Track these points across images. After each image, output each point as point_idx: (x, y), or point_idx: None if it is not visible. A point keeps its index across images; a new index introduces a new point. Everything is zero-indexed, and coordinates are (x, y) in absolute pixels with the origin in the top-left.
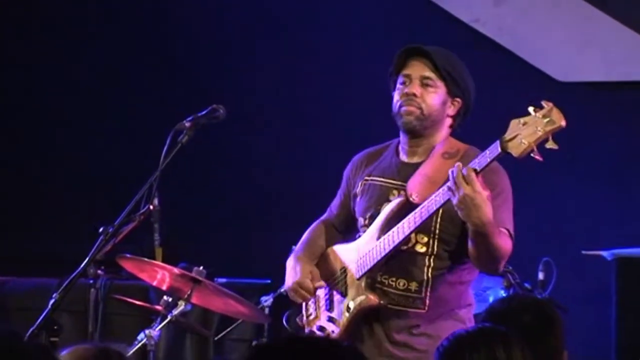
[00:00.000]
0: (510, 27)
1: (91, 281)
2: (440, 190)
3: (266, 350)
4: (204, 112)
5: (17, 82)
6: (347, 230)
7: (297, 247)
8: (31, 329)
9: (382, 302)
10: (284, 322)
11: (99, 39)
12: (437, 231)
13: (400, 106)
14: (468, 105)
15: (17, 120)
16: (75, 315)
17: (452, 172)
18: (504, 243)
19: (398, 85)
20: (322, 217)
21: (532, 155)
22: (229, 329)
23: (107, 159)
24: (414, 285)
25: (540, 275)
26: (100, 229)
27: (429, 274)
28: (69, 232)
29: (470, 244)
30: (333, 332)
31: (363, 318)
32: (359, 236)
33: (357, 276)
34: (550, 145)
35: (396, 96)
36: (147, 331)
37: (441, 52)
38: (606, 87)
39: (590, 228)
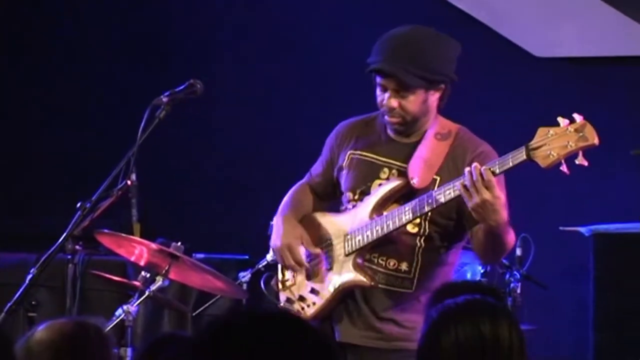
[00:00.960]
0: (487, 3)
1: (69, 257)
2: (452, 184)
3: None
4: (181, 87)
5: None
6: (326, 198)
7: (282, 207)
8: (9, 305)
9: (373, 283)
10: (262, 285)
11: (83, 22)
12: (430, 213)
13: (384, 114)
14: (452, 81)
15: None
16: (53, 290)
17: (471, 173)
18: (511, 238)
19: (377, 88)
20: (303, 181)
21: (560, 168)
22: (206, 305)
23: (85, 134)
24: (404, 266)
25: (518, 252)
26: (78, 204)
27: (420, 255)
28: (47, 207)
29: (480, 240)
30: (314, 303)
31: (348, 294)
32: (346, 209)
33: (347, 252)
34: (580, 161)
35: (378, 98)
36: (125, 307)
37: (411, 55)
38: (583, 63)
39: (567, 204)
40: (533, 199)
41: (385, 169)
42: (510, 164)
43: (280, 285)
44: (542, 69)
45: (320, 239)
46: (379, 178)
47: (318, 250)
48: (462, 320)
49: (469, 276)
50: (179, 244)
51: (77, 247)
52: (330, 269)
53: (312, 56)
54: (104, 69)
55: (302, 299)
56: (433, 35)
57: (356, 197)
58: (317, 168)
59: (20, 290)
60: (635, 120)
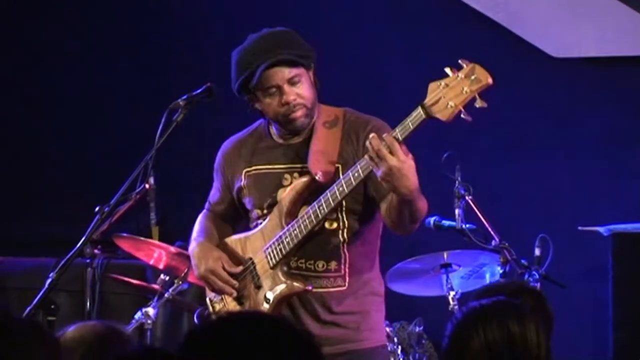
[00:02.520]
0: (504, 3)
1: (88, 261)
2: (357, 165)
3: (199, 334)
4: (198, 91)
5: (9, 62)
6: (233, 222)
7: (194, 236)
8: (28, 309)
9: (307, 287)
10: (196, 318)
11: (98, 17)
12: (344, 203)
13: (288, 115)
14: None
15: (11, 100)
16: (72, 294)
17: (371, 144)
18: (424, 205)
19: (267, 100)
20: (204, 212)
21: (462, 116)
22: None
23: (103, 138)
24: (333, 265)
25: (537, 252)
26: (97, 208)
27: (345, 250)
28: (66, 211)
29: (392, 212)
30: None
31: (285, 306)
32: (257, 225)
33: (272, 265)
34: (480, 104)
35: (274, 108)
36: (144, 310)
37: (281, 42)
38: (599, 63)
39: (586, 204)
40: (551, 199)
41: (287, 175)
42: (411, 127)
43: (214, 317)
44: (559, 69)
45: (240, 262)
46: (282, 186)
47: (239, 269)
48: (490, 321)
49: (487, 277)
50: None
51: (96, 251)
52: (259, 286)
53: (325, 62)
54: (123, 72)
55: None
56: (279, 29)
57: (265, 211)
58: (214, 196)
59: (40, 294)
60: None
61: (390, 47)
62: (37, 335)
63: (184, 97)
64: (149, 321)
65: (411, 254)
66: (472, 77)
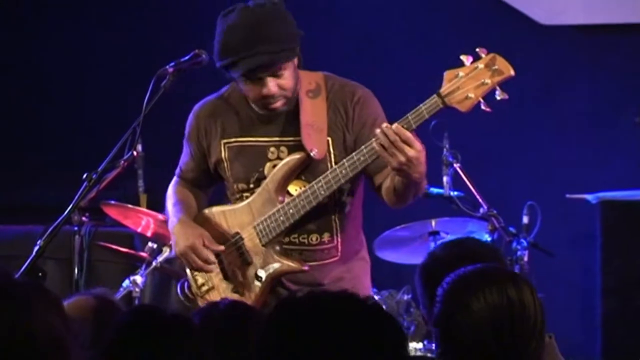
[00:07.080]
0: None
1: (75, 228)
2: (364, 149)
3: (290, 304)
4: (186, 58)
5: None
6: (207, 188)
7: (172, 212)
8: (16, 276)
9: (304, 267)
10: (179, 291)
11: None
12: None
13: (268, 104)
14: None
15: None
16: (60, 262)
17: (386, 134)
18: (425, 183)
19: (248, 86)
20: (176, 179)
21: (482, 107)
22: None
23: (91, 104)
24: (326, 236)
25: (525, 219)
26: (84, 175)
27: (336, 220)
28: (53, 179)
29: (397, 192)
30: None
31: (277, 282)
32: (242, 198)
33: (264, 242)
34: (501, 96)
35: (254, 94)
36: (132, 278)
37: (267, 35)
38: (588, 30)
39: (574, 172)
40: (539, 166)
41: (272, 148)
42: (426, 115)
43: (197, 293)
44: (548, 36)
45: (225, 235)
46: (269, 160)
47: (222, 248)
48: (489, 285)
49: None
50: None
51: (84, 218)
52: (249, 263)
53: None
54: (111, 37)
55: None
56: (266, 8)
57: (251, 185)
58: (186, 163)
59: (27, 262)
60: None
61: (380, 12)
62: (41, 295)
63: (172, 63)
64: (137, 289)
65: (399, 222)
66: (494, 68)
